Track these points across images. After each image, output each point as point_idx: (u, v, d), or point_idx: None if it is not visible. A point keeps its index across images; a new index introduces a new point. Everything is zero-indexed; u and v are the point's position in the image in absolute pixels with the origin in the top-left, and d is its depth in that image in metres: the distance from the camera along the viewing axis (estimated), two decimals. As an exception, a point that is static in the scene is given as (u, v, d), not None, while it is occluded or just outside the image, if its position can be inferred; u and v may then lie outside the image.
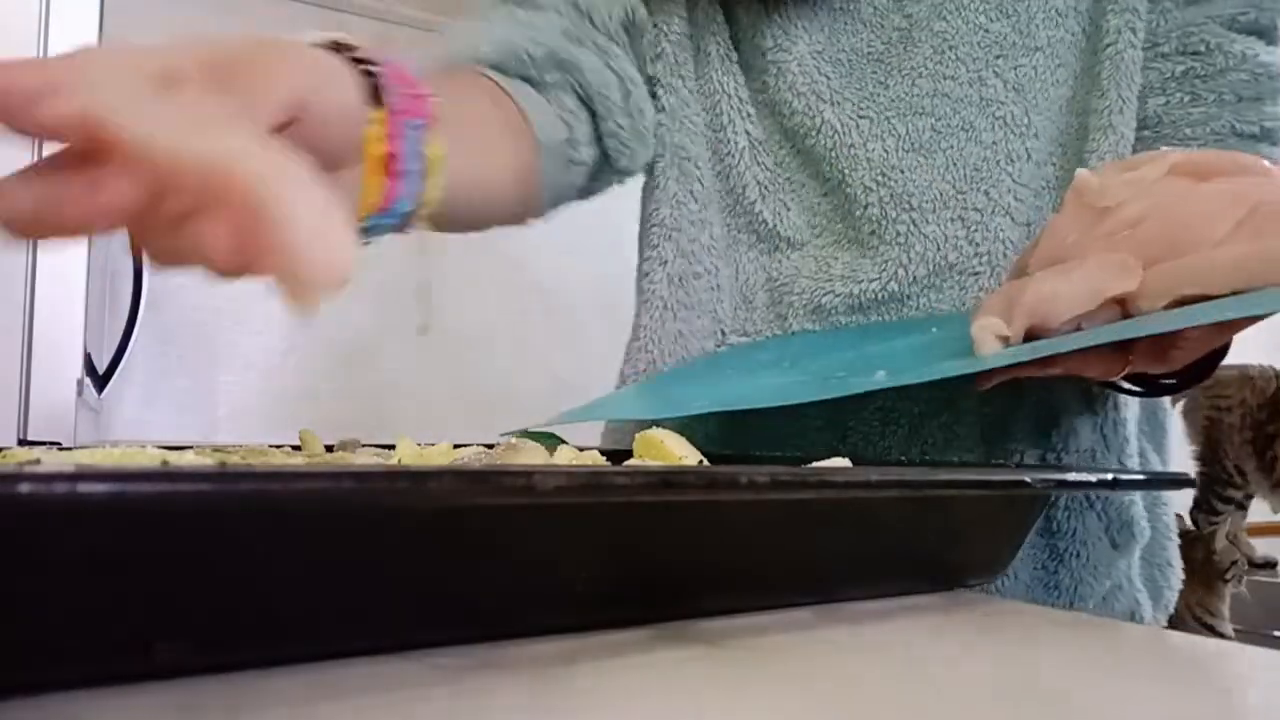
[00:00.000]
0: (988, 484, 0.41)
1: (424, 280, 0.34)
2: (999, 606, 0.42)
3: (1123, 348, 0.49)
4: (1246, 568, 1.21)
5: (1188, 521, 1.29)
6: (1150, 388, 0.59)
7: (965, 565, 0.45)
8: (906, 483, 0.37)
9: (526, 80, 0.60)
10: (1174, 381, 0.57)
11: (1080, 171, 0.51)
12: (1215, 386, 1.28)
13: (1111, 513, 0.65)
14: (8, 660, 0.22)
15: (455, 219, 0.49)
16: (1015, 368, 0.48)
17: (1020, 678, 0.31)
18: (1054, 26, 0.66)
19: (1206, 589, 1.19)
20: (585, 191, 0.67)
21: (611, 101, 0.64)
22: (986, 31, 0.66)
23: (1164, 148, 0.56)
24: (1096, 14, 0.67)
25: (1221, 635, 1.18)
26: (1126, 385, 0.59)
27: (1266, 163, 0.49)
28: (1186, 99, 0.65)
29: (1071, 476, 0.42)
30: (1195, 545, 1.21)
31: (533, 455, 0.41)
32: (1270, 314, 0.44)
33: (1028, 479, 0.39)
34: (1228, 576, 1.19)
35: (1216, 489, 1.28)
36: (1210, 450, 1.29)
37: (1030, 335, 0.47)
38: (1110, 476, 0.42)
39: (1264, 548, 1.27)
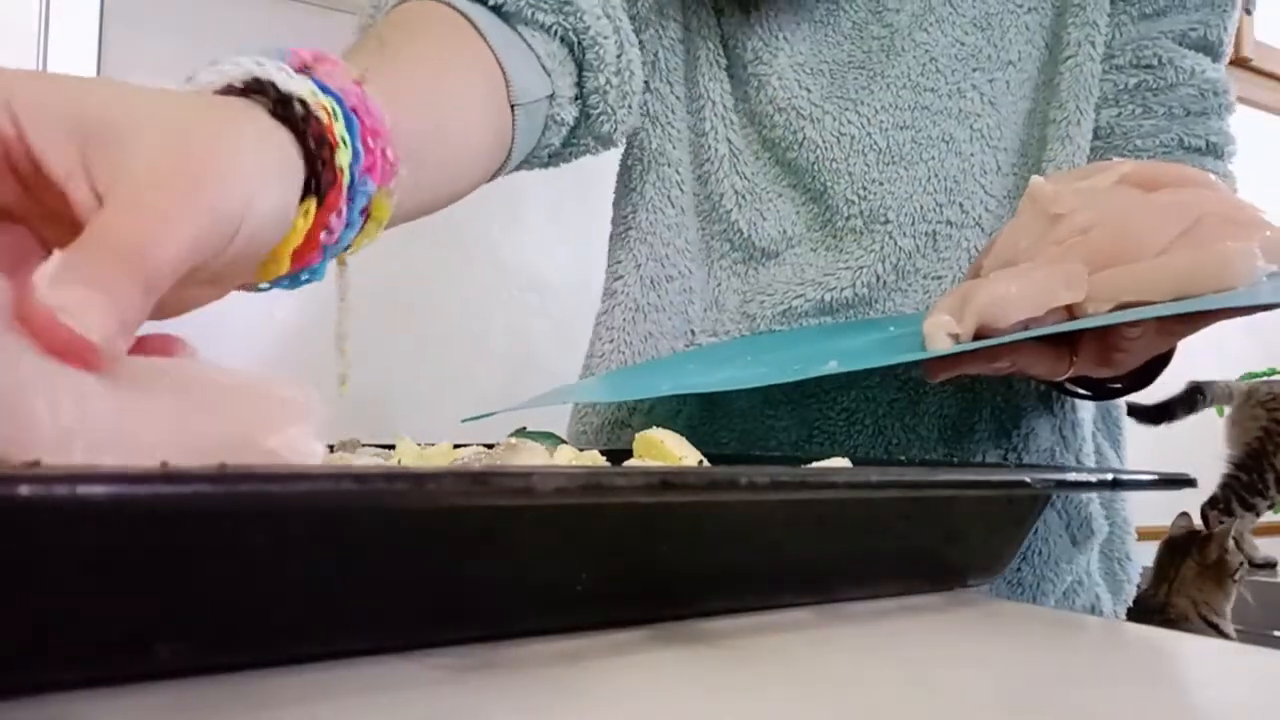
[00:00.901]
0: (988, 484, 0.41)
1: (341, 331, 0.33)
2: (999, 607, 0.42)
3: (1067, 349, 0.50)
4: (1247, 568, 1.22)
5: (1196, 520, 1.29)
6: (1098, 392, 0.60)
7: (965, 565, 0.45)
8: (907, 483, 0.37)
9: (514, 14, 0.54)
10: (1120, 386, 0.59)
11: (1035, 179, 0.52)
12: (1276, 400, 1.28)
13: (1071, 510, 0.66)
14: (8, 660, 0.22)
15: (406, 218, 0.45)
16: (963, 359, 0.49)
17: (1021, 678, 0.31)
18: (1024, 42, 0.67)
19: (1216, 586, 1.19)
20: (558, 156, 0.62)
21: (605, 55, 0.59)
22: (963, 45, 0.67)
23: (1115, 158, 0.57)
24: (1058, 26, 0.67)
25: (1225, 635, 1.18)
26: (1075, 389, 0.60)
27: (1211, 176, 0.50)
28: (1138, 111, 0.65)
29: (1071, 477, 0.42)
30: (1208, 544, 1.21)
31: (533, 455, 0.41)
32: (1209, 320, 0.47)
33: (1028, 479, 0.39)
34: (1236, 577, 1.20)
35: (1243, 494, 1.29)
36: (1253, 459, 1.29)
37: (980, 335, 0.48)
38: (1111, 477, 0.42)
39: (1264, 548, 1.27)
